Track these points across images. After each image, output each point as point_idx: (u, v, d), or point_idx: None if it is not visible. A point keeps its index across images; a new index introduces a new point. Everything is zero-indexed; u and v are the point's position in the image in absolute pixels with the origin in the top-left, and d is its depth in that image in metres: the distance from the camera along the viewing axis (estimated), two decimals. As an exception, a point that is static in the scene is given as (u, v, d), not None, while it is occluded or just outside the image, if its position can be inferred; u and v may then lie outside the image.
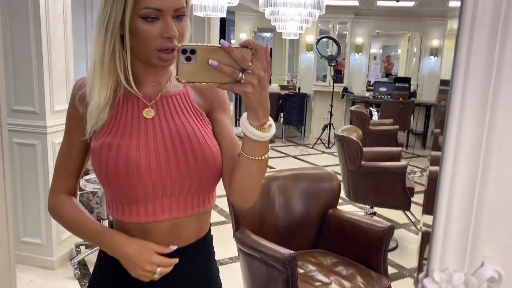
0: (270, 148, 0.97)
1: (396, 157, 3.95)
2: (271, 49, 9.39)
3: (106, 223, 3.10)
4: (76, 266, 3.00)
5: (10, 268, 2.01)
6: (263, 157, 0.92)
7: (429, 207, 0.60)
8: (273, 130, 0.89)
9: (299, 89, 8.44)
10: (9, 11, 2.71)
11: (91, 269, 3.06)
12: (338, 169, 3.92)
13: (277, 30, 5.37)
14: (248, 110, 0.87)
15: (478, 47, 0.55)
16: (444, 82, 0.60)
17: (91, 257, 3.20)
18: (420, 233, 0.65)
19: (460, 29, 0.56)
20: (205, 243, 1.09)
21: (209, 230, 1.13)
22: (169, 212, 1.00)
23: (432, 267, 0.58)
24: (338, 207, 2.44)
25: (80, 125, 1.01)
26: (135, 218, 1.00)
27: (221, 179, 1.04)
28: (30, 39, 2.70)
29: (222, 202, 4.35)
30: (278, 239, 2.22)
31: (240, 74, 0.81)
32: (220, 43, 0.81)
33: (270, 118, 0.89)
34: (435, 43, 8.06)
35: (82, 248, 3.23)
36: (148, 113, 1.00)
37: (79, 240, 3.24)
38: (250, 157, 0.91)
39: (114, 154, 0.96)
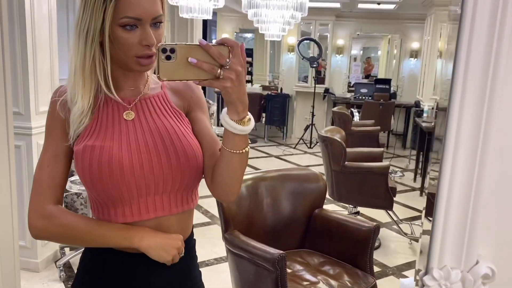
0: (252, 148, 1.01)
1: (379, 157, 4.03)
2: (251, 49, 9.44)
3: (91, 224, 3.08)
4: (61, 268, 2.98)
5: (15, 273, 2.00)
6: (243, 150, 0.96)
7: (429, 210, 0.64)
8: (252, 123, 0.94)
9: (281, 89, 8.50)
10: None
11: (75, 270, 3.04)
12: (321, 169, 3.97)
13: (260, 32, 5.40)
14: (228, 105, 0.91)
15: (476, 51, 0.59)
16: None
17: (76, 259, 3.17)
18: (421, 233, 0.68)
19: (459, 35, 0.60)
20: (188, 245, 1.10)
21: (192, 234, 1.15)
22: (153, 211, 1.03)
23: (431, 265, 0.62)
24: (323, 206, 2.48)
25: (63, 130, 1.02)
26: (121, 218, 1.01)
27: (203, 178, 1.07)
28: (15, 40, 2.66)
29: (206, 203, 4.36)
30: (266, 239, 2.25)
31: (219, 70, 0.85)
32: (198, 42, 0.86)
33: (249, 113, 0.94)
34: (414, 45, 8.22)
35: (67, 250, 3.20)
36: (128, 115, 1.03)
37: (63, 242, 3.22)
38: (232, 150, 0.96)
39: (97, 155, 0.97)
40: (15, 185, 2.01)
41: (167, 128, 1.03)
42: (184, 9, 3.01)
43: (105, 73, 0.97)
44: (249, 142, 1.01)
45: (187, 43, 0.85)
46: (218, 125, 7.27)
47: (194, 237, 1.17)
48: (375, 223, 2.26)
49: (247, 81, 8.76)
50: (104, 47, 0.95)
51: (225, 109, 0.93)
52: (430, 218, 0.66)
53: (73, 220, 1.01)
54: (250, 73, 9.29)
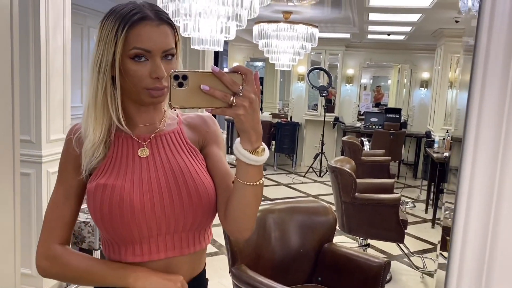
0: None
1: (390, 188, 3.98)
2: (262, 78, 9.52)
3: (97, 253, 3.06)
4: (66, 298, 2.94)
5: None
6: (257, 182, 0.92)
7: (444, 245, 0.61)
8: (266, 153, 0.90)
9: (291, 117, 8.52)
10: (11, 40, 2.73)
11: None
12: (331, 198, 3.92)
13: (270, 62, 5.46)
14: (241, 133, 0.88)
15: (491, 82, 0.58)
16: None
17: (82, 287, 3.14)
18: (436, 269, 0.66)
19: (473, 66, 0.58)
20: (199, 282, 1.08)
21: (204, 271, 1.12)
22: (164, 251, 1.01)
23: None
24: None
25: (77, 166, 1.02)
26: (131, 258, 1.00)
27: (216, 214, 1.04)
28: (29, 70, 2.71)
29: (214, 232, 4.29)
30: (274, 273, 2.21)
31: (232, 98, 0.83)
32: (211, 69, 0.84)
33: (263, 143, 0.91)
34: (425, 75, 8.23)
35: (73, 279, 3.17)
36: (143, 152, 1.02)
37: (69, 271, 3.19)
38: (245, 182, 0.92)
39: (108, 194, 0.97)
40: (19, 215, 2.01)
41: (181, 166, 1.01)
42: (195, 41, 3.05)
43: (116, 106, 0.98)
44: (264, 174, 0.97)
45: (199, 70, 0.84)
46: (228, 153, 7.27)
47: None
48: (385, 259, 2.21)
49: (257, 109, 8.77)
50: (115, 79, 0.96)
51: (238, 139, 0.90)
52: (445, 254, 0.63)
53: (74, 259, 1.01)
54: (260, 100, 9.32)
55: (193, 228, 1.02)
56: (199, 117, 1.13)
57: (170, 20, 0.99)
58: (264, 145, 0.90)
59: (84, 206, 2.86)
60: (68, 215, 1.04)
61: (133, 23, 0.93)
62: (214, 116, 1.10)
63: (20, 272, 2.02)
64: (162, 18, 0.97)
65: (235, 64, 0.88)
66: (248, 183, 0.92)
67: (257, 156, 0.89)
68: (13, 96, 1.87)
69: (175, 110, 1.10)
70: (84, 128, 1.00)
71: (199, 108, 0.86)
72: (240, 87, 0.83)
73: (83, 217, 2.94)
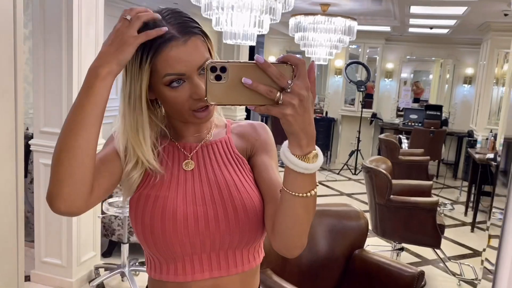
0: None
1: (427, 191, 3.80)
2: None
3: (126, 247, 3.08)
4: (94, 289, 2.97)
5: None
6: (308, 194, 0.79)
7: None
8: (320, 160, 0.77)
9: (326, 113, 8.36)
10: (44, 35, 2.75)
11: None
12: (365, 197, 3.79)
13: (306, 55, 5.33)
14: (289, 136, 0.75)
15: None
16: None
17: (110, 280, 3.17)
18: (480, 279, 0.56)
19: None
20: None
21: None
22: (209, 271, 0.93)
23: None
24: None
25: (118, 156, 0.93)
26: (173, 277, 0.93)
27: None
28: (62, 63, 2.73)
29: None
30: (301, 279, 2.13)
31: (278, 94, 0.70)
32: (254, 59, 0.72)
33: (317, 147, 0.77)
34: (468, 71, 7.86)
35: (101, 270, 3.20)
36: (188, 165, 0.96)
37: (99, 262, 3.22)
38: (293, 193, 0.78)
39: (151, 205, 0.91)
40: (23, 214, 2.01)
41: (227, 180, 0.94)
42: (228, 35, 2.99)
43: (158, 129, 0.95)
44: (317, 183, 0.82)
45: (241, 61, 0.72)
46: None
47: None
48: (419, 269, 2.09)
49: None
50: (142, 109, 0.89)
51: (286, 142, 0.77)
52: (492, 266, 0.54)
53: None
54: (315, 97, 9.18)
55: (241, 245, 0.93)
56: (249, 125, 1.05)
57: (197, 27, 0.90)
58: (317, 150, 0.77)
59: (114, 199, 2.85)
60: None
61: (158, 50, 0.84)
62: (265, 118, 0.99)
63: (23, 271, 2.03)
64: (188, 32, 0.87)
65: (271, 58, 0.74)
66: (297, 194, 0.78)
67: (308, 163, 0.75)
68: (16, 92, 1.87)
69: (211, 106, 0.97)
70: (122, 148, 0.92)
71: (240, 105, 0.73)
72: (289, 82, 0.70)
73: (112, 211, 2.95)
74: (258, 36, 3.40)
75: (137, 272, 3.22)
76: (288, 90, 0.70)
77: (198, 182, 0.94)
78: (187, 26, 0.87)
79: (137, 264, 3.21)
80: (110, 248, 3.58)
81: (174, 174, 0.95)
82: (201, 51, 0.87)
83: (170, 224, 0.89)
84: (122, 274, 3.15)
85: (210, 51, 0.91)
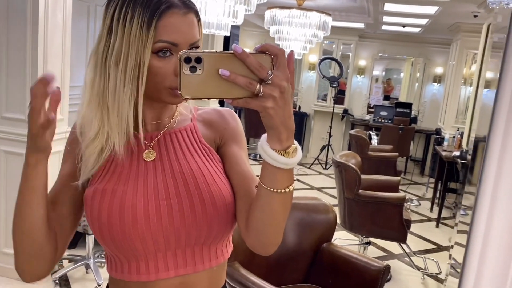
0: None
1: (395, 186, 3.87)
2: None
3: (91, 238, 3.00)
4: (56, 281, 2.89)
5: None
6: (287, 190, 0.75)
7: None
8: (299, 155, 0.74)
9: (299, 107, 8.39)
10: (7, 16, 2.64)
11: (72, 285, 2.95)
12: (335, 192, 3.82)
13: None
14: (268, 130, 0.71)
15: None
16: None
17: (74, 272, 3.09)
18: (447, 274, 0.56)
19: (503, 64, 0.49)
20: None
21: (225, 286, 0.98)
22: (174, 269, 0.88)
23: None
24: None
25: (73, 159, 0.89)
26: (135, 276, 0.87)
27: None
28: (26, 46, 2.62)
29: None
30: (269, 272, 2.13)
31: (258, 86, 0.66)
32: (232, 49, 0.67)
33: (295, 141, 0.74)
34: (438, 70, 8.04)
35: (65, 262, 3.12)
36: (148, 155, 0.89)
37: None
38: (271, 189, 0.75)
39: (108, 201, 0.84)
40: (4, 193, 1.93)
41: (193, 170, 0.87)
42: (202, 24, 2.93)
43: (136, 110, 0.83)
44: (294, 179, 0.78)
45: (217, 51, 0.66)
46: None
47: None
48: (385, 263, 2.12)
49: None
50: (139, 80, 0.81)
51: (264, 136, 0.73)
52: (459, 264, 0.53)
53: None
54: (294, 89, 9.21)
55: (209, 241, 0.88)
56: (216, 112, 0.98)
57: (195, 6, 0.85)
58: (296, 144, 0.73)
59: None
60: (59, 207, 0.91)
61: (161, 14, 0.79)
62: (238, 110, 0.94)
63: None
64: (189, 5, 0.83)
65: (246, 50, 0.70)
66: (275, 190, 0.75)
67: (288, 157, 0.72)
68: None
69: (186, 102, 0.93)
70: (82, 129, 0.86)
71: (217, 98, 0.68)
72: (269, 72, 0.66)
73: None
74: (234, 28, 3.35)
75: (102, 264, 3.16)
76: (268, 82, 0.66)
77: (160, 173, 0.87)
78: (187, 0, 0.84)
79: (102, 255, 3.14)
80: (75, 239, 3.49)
81: (133, 165, 0.88)
82: (196, 29, 0.84)
83: (130, 220, 0.83)
84: (87, 266, 3.08)
85: (200, 33, 0.86)
